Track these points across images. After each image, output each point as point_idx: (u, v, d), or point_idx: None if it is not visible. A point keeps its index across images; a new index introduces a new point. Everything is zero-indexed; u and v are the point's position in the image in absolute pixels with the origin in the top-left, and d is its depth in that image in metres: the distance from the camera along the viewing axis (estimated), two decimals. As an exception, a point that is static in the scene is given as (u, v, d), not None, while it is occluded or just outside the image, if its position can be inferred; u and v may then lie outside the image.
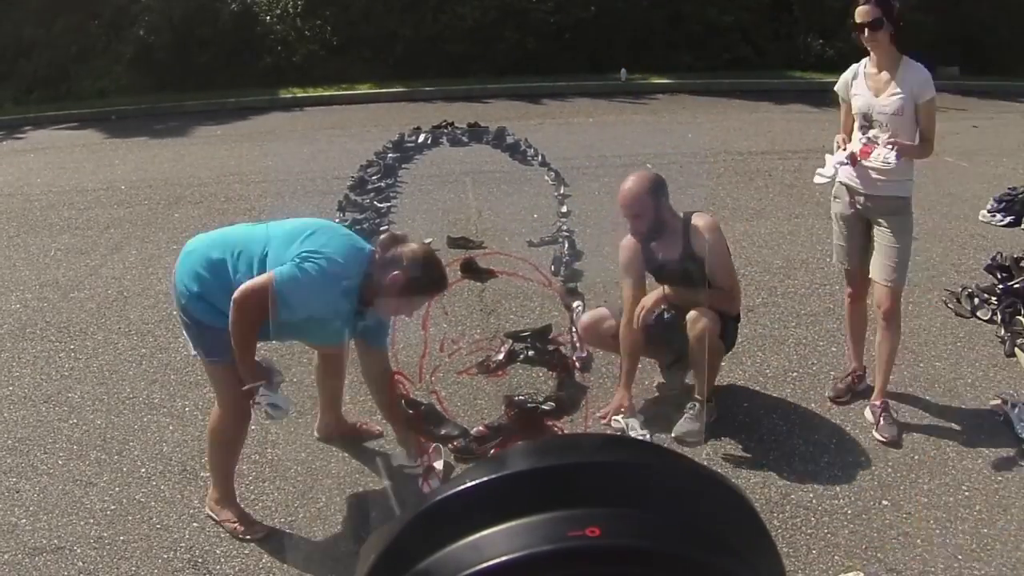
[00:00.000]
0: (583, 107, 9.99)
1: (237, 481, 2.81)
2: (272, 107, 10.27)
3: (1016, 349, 3.74)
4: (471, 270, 4.59)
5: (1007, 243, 5.00)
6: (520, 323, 4.05)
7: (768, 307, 4.25)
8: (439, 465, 2.91)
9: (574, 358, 3.68)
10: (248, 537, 2.61)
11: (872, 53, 3.05)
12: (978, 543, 2.55)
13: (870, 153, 2.99)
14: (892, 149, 2.93)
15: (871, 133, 3.05)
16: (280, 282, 2.34)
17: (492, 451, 2.95)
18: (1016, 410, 3.15)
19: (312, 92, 10.85)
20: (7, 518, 2.75)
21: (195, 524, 2.70)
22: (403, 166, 7.00)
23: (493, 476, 0.50)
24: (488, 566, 0.46)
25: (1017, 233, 5.32)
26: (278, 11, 11.75)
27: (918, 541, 2.56)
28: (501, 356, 3.69)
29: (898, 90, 2.98)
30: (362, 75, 11.24)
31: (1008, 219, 5.54)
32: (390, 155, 7.10)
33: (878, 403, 3.16)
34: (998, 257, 4.59)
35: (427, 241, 5.09)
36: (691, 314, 2.96)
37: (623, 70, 11.05)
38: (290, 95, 10.77)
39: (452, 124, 8.21)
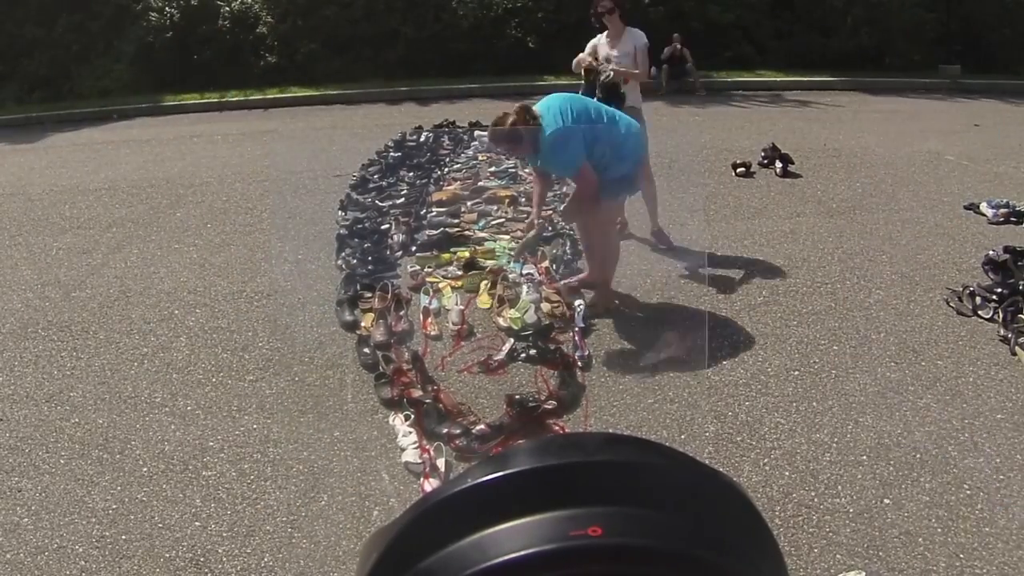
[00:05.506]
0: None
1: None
2: (273, 106, 10.28)
3: (1017, 348, 3.73)
4: (473, 268, 4.60)
5: (1008, 242, 4.99)
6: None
7: (769, 305, 4.25)
8: (441, 464, 2.91)
9: (575, 356, 3.68)
10: None
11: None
12: (980, 542, 2.55)
13: None
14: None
15: None
16: None
17: (493, 450, 2.96)
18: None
19: (313, 91, 10.86)
20: (9, 517, 2.76)
21: (197, 523, 2.70)
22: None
23: (495, 475, 0.50)
24: (490, 565, 0.46)
25: (1019, 232, 5.32)
26: (279, 9, 11.76)
27: (920, 540, 2.56)
28: (502, 354, 3.69)
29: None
30: (363, 74, 11.26)
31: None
32: (392, 154, 7.10)
33: None
34: (992, 254, 4.59)
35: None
36: None
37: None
38: (291, 94, 10.78)
39: (454, 123, 8.20)
